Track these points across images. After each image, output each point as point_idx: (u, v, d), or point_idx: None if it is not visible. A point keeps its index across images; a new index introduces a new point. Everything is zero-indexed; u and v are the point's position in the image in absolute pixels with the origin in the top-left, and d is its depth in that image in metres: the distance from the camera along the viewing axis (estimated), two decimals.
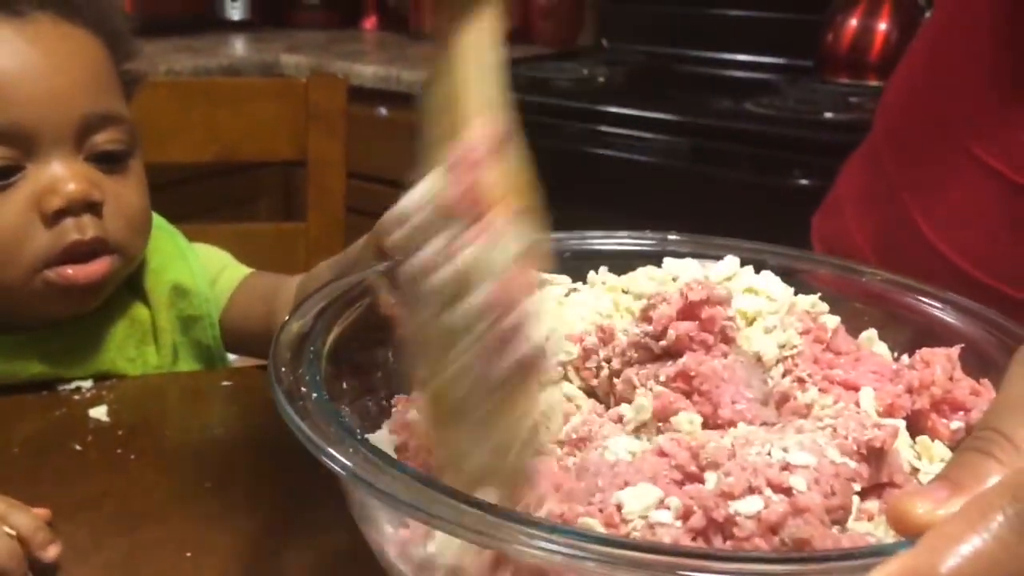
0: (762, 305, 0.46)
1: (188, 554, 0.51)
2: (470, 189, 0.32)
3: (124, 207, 0.67)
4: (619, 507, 0.34)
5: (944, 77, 0.66)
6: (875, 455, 0.35)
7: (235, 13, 2.29)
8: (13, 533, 0.48)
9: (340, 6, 2.41)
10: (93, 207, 0.65)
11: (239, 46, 2.10)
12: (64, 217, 0.64)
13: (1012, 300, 0.61)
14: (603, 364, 0.45)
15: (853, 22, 1.72)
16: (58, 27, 0.66)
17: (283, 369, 0.39)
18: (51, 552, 0.49)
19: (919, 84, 0.69)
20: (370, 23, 2.41)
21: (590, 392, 0.46)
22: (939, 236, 0.64)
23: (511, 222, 0.33)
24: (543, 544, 0.29)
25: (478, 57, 0.34)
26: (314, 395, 0.37)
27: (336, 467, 0.33)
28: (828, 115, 1.51)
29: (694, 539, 0.33)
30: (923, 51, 0.70)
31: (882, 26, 1.69)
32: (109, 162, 0.67)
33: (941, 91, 0.66)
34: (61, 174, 0.64)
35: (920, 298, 0.48)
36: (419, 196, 0.34)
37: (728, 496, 0.33)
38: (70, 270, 0.65)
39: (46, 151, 0.64)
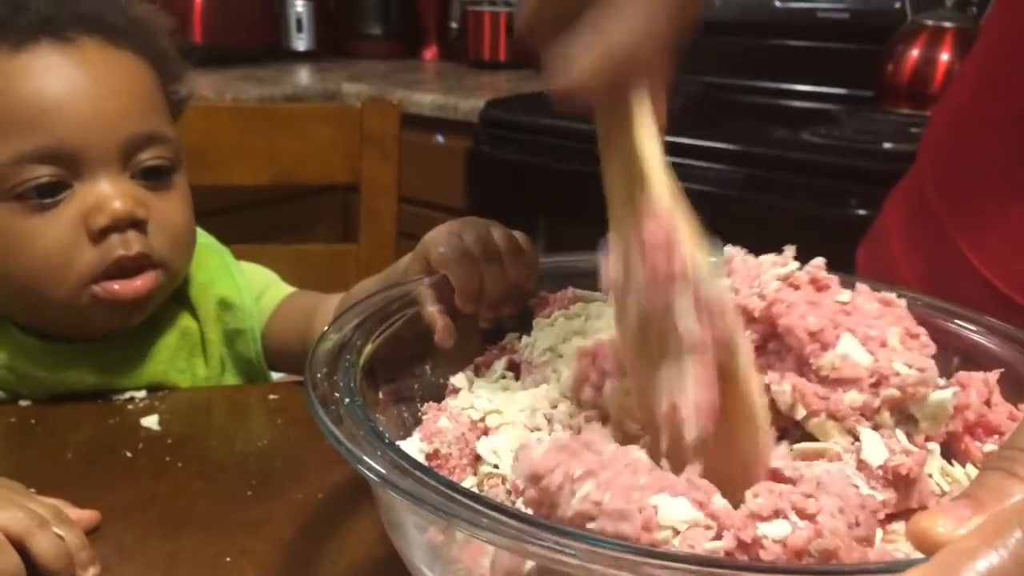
0: None
1: (227, 559, 0.52)
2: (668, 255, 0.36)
3: (168, 223, 0.69)
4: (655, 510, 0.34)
5: (993, 107, 0.65)
6: (902, 482, 0.35)
7: (300, 44, 2.36)
8: (62, 535, 0.50)
9: (402, 37, 2.46)
10: (138, 224, 0.67)
11: (303, 75, 2.15)
12: (110, 234, 0.66)
13: None
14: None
15: (914, 52, 1.70)
16: (104, 51, 0.68)
17: (319, 375, 0.40)
18: (90, 573, 0.50)
19: (967, 116, 0.68)
20: (430, 53, 2.46)
21: None
22: (991, 270, 0.63)
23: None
24: (567, 550, 0.29)
25: (652, 143, 0.37)
26: (347, 400, 0.38)
27: (364, 470, 0.34)
28: (887, 145, 1.49)
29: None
30: (970, 83, 0.69)
31: (944, 56, 1.67)
32: (154, 179, 0.69)
33: (990, 121, 0.65)
34: (107, 192, 0.66)
35: (960, 323, 0.47)
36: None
37: (756, 518, 0.33)
38: (116, 285, 0.67)
39: (93, 170, 0.66)
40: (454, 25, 2.45)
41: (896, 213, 0.77)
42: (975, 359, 0.45)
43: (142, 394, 0.71)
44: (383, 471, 0.33)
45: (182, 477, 0.61)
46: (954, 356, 0.47)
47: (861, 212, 1.41)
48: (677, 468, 0.34)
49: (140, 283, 0.68)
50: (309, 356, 0.42)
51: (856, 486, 0.33)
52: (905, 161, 0.81)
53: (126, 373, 0.72)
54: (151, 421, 0.67)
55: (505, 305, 0.55)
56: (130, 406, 0.70)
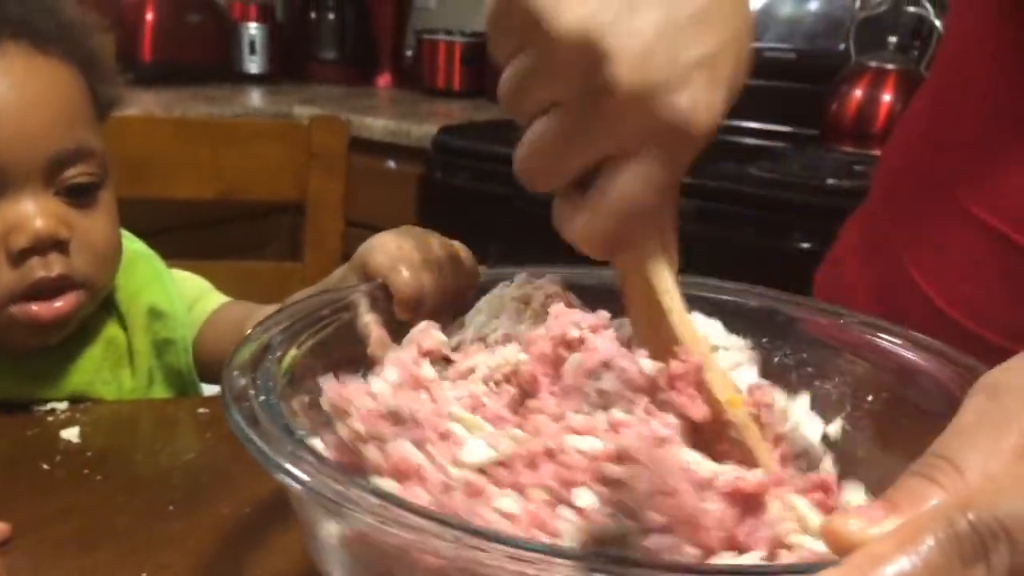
0: None
1: (144, 574, 0.50)
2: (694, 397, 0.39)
3: (92, 241, 0.67)
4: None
5: (940, 133, 0.67)
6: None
7: (253, 66, 2.34)
8: None
9: (356, 63, 2.46)
10: (60, 244, 0.64)
11: (255, 97, 2.14)
12: (31, 255, 0.63)
13: (1009, 352, 0.60)
14: None
15: (858, 93, 1.74)
16: (31, 60, 0.65)
17: (235, 374, 0.39)
18: None
19: (916, 142, 0.70)
20: (384, 80, 2.46)
21: None
22: (935, 290, 0.64)
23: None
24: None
25: (670, 289, 0.41)
26: (261, 398, 0.37)
27: (273, 469, 0.33)
28: (831, 181, 1.52)
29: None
30: (920, 110, 0.72)
31: (886, 97, 1.71)
32: (79, 195, 0.66)
33: (937, 147, 0.67)
34: (29, 211, 0.63)
35: (890, 339, 0.47)
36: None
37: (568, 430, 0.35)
38: (35, 307, 0.64)
39: (15, 187, 0.63)
40: (409, 53, 2.46)
41: (850, 239, 0.79)
42: (906, 375, 0.45)
43: (63, 406, 0.69)
44: (289, 469, 0.32)
45: (102, 490, 0.58)
46: (886, 373, 0.47)
47: (805, 245, 1.43)
48: None
49: (60, 304, 0.65)
50: (230, 356, 0.41)
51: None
52: (848, 197, 0.83)
53: (48, 384, 0.69)
54: (71, 433, 0.64)
55: (445, 314, 0.54)
56: (50, 418, 0.67)
